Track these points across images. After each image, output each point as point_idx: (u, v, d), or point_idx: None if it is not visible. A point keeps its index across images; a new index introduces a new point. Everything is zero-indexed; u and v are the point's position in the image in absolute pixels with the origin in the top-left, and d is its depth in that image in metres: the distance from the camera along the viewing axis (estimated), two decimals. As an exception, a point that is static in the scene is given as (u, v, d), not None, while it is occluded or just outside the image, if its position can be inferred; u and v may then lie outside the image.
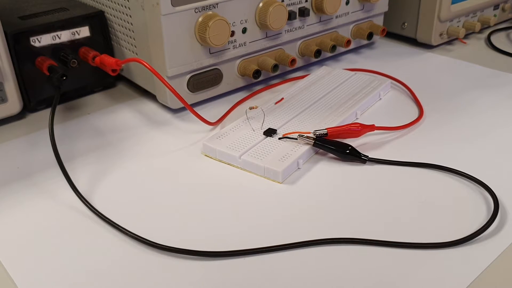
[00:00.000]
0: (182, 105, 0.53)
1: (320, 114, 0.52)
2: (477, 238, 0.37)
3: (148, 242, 0.37)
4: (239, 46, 0.56)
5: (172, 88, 0.49)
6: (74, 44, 0.56)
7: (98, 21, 0.57)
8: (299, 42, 0.63)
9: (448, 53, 0.71)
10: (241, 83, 0.59)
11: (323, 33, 0.65)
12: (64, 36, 0.55)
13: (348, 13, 0.66)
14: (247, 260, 0.36)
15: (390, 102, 0.57)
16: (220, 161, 0.47)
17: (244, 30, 0.56)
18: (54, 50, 0.55)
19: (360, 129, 0.48)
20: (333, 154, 0.47)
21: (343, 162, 0.47)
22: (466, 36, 0.76)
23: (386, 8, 0.70)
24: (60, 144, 0.50)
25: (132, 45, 0.56)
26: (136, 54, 0.56)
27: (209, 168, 0.46)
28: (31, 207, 0.42)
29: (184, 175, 0.45)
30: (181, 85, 0.54)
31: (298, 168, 0.46)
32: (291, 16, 0.58)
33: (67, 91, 0.58)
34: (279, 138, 0.47)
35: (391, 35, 0.76)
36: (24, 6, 0.60)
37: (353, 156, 0.46)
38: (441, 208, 0.40)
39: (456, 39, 0.75)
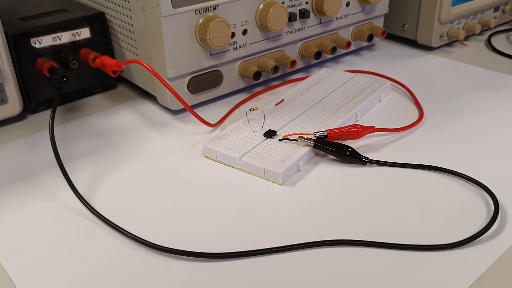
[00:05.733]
0: (182, 107, 0.53)
1: (320, 116, 0.52)
2: (477, 240, 0.37)
3: (148, 243, 0.37)
4: (240, 47, 0.56)
5: (173, 89, 0.49)
6: (75, 46, 0.56)
7: (98, 23, 0.57)
8: (299, 44, 0.63)
9: (449, 55, 0.71)
10: (241, 85, 0.59)
11: (323, 34, 0.65)
12: (65, 37, 0.55)
13: (348, 15, 0.66)
14: (247, 261, 0.36)
15: (390, 104, 0.57)
16: (220, 162, 0.47)
17: (244, 32, 0.56)
18: (55, 51, 0.55)
19: (360, 131, 0.48)
20: (333, 155, 0.47)
21: (343, 164, 0.47)
22: (466, 38, 0.77)
23: (386, 10, 0.70)
24: (60, 145, 0.50)
25: (132, 46, 0.56)
26: (137, 55, 0.56)
27: (209, 169, 0.46)
28: (31, 208, 0.42)
29: (184, 177, 0.45)
30: (182, 87, 0.54)
31: (298, 170, 0.46)
32: (291, 17, 0.58)
33: (68, 92, 0.58)
34: (279, 140, 0.47)
35: (391, 36, 0.76)
36: (24, 8, 0.60)
37: (353, 157, 0.46)
38: (441, 210, 0.40)
39: (456, 41, 0.75)
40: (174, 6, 0.49)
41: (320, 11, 0.61)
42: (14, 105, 0.53)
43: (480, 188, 0.42)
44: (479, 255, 0.36)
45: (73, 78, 0.57)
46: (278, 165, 0.44)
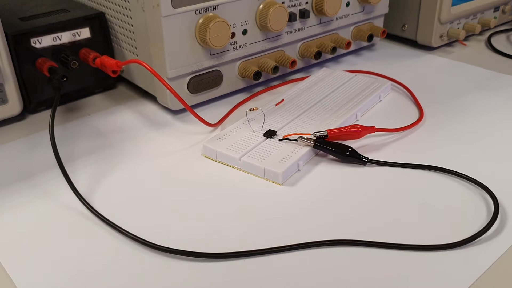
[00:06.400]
0: (182, 107, 0.53)
1: (320, 116, 0.52)
2: (477, 240, 0.37)
3: (147, 243, 0.37)
4: (240, 47, 0.56)
5: (173, 89, 0.49)
6: (75, 46, 0.56)
7: (98, 23, 0.57)
8: (299, 44, 0.63)
9: (449, 55, 0.71)
10: (241, 85, 0.59)
11: (323, 34, 0.65)
12: (65, 37, 0.55)
13: (348, 15, 0.66)
14: (247, 261, 0.36)
15: (390, 104, 0.57)
16: (220, 162, 0.47)
17: (244, 32, 0.56)
18: (55, 51, 0.55)
19: (360, 131, 0.48)
20: (333, 155, 0.47)
21: (343, 164, 0.47)
22: (466, 38, 0.77)
23: (386, 10, 0.70)
24: (60, 145, 0.50)
25: (132, 46, 0.56)
26: (137, 55, 0.56)
27: (209, 169, 0.46)
28: (31, 208, 0.42)
29: (184, 177, 0.45)
30: (182, 87, 0.54)
31: (298, 170, 0.46)
32: (291, 17, 0.58)
33: (68, 92, 0.58)
34: (279, 140, 0.47)
35: (391, 36, 0.76)
36: (24, 8, 0.60)
37: (353, 157, 0.46)
38: (442, 210, 0.40)
39: (456, 41, 0.75)
40: (174, 6, 0.49)
41: (320, 11, 0.61)
42: (14, 105, 0.53)
43: (480, 188, 0.42)
44: (479, 255, 0.36)
45: (73, 78, 0.57)
46: (278, 165, 0.44)
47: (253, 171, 0.45)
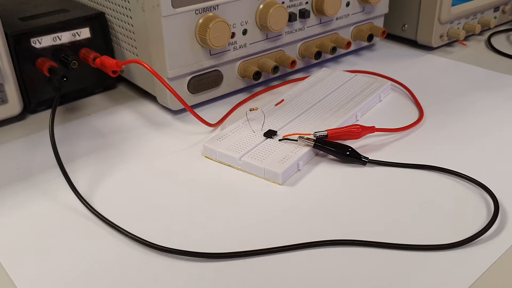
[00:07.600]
0: (182, 107, 0.53)
1: (320, 116, 0.52)
2: (477, 240, 0.37)
3: (147, 243, 0.37)
4: (240, 47, 0.56)
5: (173, 89, 0.49)
6: (75, 46, 0.56)
7: (98, 23, 0.57)
8: (299, 44, 0.63)
9: (449, 55, 0.71)
10: (241, 85, 0.59)
11: (323, 34, 0.65)
12: (65, 37, 0.55)
13: (348, 15, 0.66)
14: (247, 261, 0.36)
15: (390, 103, 0.57)
16: (220, 162, 0.47)
17: (244, 32, 0.56)
18: (55, 51, 0.55)
19: (360, 131, 0.48)
20: (333, 155, 0.47)
21: (343, 164, 0.47)
22: (466, 38, 0.77)
23: (386, 10, 0.70)
24: (60, 145, 0.50)
25: (132, 46, 0.56)
26: (137, 55, 0.56)
27: (209, 169, 0.46)
28: (31, 208, 0.42)
29: (184, 177, 0.45)
30: (182, 87, 0.54)
31: (298, 170, 0.46)
32: (291, 17, 0.58)
33: (68, 92, 0.58)
34: (279, 140, 0.47)
35: (391, 37, 0.76)
36: (24, 8, 0.60)
37: (353, 157, 0.46)
38: (441, 210, 0.40)
39: (456, 41, 0.75)
40: (174, 6, 0.49)
41: (320, 11, 0.61)
42: (14, 105, 0.53)
43: (480, 188, 0.42)
44: (479, 255, 0.36)
45: (73, 78, 0.57)
46: (278, 165, 0.44)
47: (253, 171, 0.45)
